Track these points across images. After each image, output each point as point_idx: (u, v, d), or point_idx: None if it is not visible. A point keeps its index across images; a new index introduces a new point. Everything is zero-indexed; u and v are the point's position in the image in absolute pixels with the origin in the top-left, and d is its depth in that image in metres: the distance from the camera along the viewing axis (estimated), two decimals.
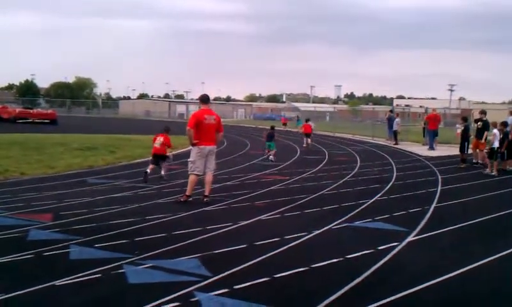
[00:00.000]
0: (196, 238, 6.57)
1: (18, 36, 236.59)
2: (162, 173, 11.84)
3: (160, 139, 11.94)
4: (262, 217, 8.04)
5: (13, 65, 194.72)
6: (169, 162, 12.36)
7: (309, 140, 23.27)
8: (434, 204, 9.58)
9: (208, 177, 9.23)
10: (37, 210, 8.07)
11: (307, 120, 25.43)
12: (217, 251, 5.97)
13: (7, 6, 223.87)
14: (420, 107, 76.34)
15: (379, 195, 10.49)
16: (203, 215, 8.16)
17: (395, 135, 26.81)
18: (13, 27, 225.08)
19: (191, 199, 9.08)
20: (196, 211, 8.36)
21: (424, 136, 25.45)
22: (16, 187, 10.21)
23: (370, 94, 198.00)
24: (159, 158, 11.91)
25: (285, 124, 46.12)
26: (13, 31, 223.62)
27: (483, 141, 16.53)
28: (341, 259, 5.82)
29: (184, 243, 6.29)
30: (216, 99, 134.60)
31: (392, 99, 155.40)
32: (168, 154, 12.17)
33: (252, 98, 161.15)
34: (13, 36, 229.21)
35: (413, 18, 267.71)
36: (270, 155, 17.10)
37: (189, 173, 9.19)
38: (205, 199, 9.06)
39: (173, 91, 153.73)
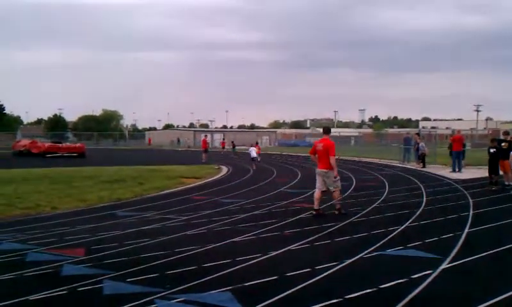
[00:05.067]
0: (227, 270, 6.57)
1: (45, 72, 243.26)
2: None
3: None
4: (292, 246, 7.99)
5: (41, 101, 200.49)
6: None
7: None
8: (466, 230, 9.39)
9: (334, 194, 11.37)
10: (70, 244, 8.18)
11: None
12: (248, 283, 5.95)
13: (32, 42, 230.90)
14: (447, 128, 75.42)
15: (409, 221, 10.34)
16: (233, 246, 8.16)
17: (423, 158, 26.64)
18: (40, 63, 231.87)
19: (313, 212, 11.13)
20: (225, 242, 8.36)
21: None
22: (49, 222, 10.39)
23: (395, 117, 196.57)
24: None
25: (223, 147, 51.93)
26: (39, 67, 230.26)
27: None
28: (375, 289, 5.73)
29: (215, 275, 6.29)
30: (240, 127, 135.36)
31: (417, 121, 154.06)
32: None
33: (276, 125, 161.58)
34: (40, 72, 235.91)
35: (433, 39, 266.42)
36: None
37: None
38: (335, 212, 11.23)
39: (198, 120, 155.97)
